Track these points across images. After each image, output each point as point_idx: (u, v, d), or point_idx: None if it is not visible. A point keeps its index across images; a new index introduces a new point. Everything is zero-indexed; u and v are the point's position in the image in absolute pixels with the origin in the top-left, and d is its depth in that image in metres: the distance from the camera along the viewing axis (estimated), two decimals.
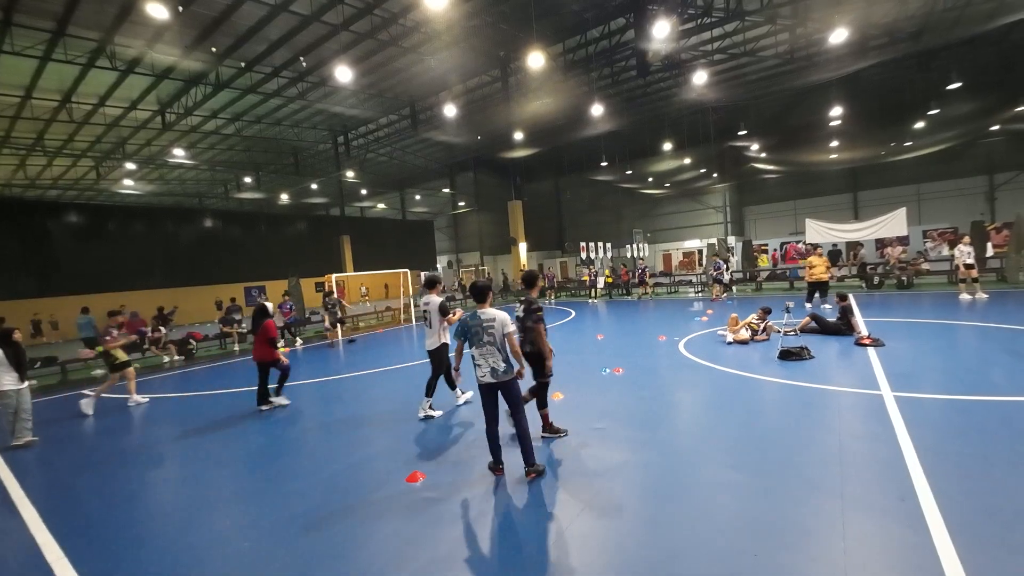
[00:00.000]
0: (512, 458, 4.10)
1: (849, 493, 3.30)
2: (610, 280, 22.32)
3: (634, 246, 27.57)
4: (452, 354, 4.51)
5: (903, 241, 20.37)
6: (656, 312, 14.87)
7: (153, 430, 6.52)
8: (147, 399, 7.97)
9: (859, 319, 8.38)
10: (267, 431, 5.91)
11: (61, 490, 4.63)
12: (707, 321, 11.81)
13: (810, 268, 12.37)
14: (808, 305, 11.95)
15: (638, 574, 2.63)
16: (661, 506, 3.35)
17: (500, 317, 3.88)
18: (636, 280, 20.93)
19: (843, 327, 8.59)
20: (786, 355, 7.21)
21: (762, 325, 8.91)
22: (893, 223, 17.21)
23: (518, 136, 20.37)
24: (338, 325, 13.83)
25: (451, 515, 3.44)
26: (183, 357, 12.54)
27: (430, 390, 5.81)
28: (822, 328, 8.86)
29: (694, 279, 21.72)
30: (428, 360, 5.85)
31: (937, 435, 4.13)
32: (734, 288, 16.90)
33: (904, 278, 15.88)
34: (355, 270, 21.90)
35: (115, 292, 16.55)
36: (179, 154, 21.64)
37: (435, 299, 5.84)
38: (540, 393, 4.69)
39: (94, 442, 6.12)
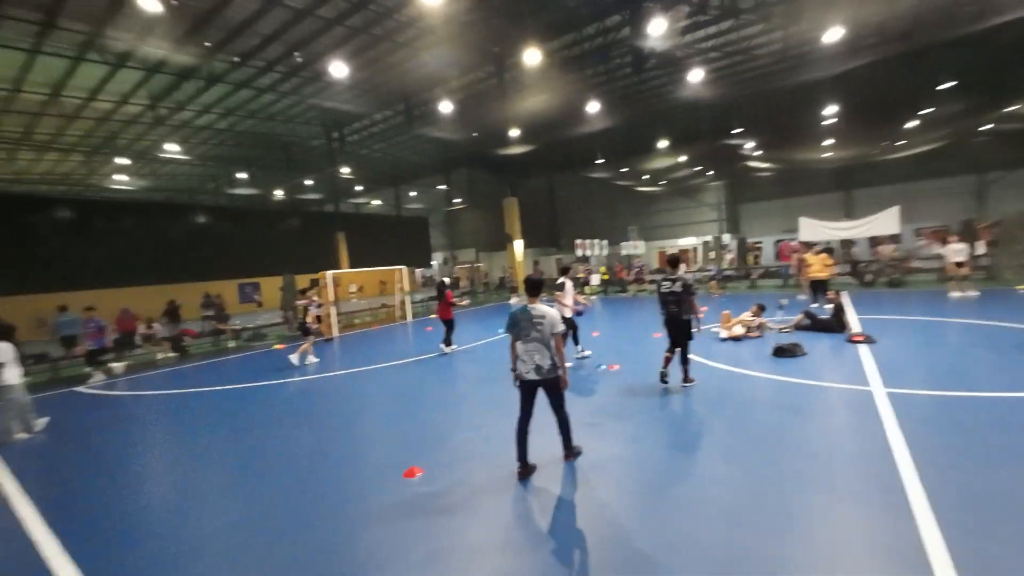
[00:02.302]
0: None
1: (839, 486, 3.36)
2: (606, 277, 22.41)
3: (630, 243, 27.62)
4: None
5: (895, 239, 20.57)
6: (651, 309, 14.95)
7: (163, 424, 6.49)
8: (314, 361, 9.80)
9: (851, 316, 8.47)
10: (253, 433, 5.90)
11: (58, 480, 4.62)
12: (701, 318, 11.87)
13: (806, 266, 12.42)
14: (814, 305, 11.11)
15: (630, 565, 2.67)
16: (652, 499, 3.39)
17: (551, 315, 3.79)
18: (632, 277, 21.10)
19: (836, 324, 8.69)
20: (780, 352, 7.28)
21: (756, 322, 9.00)
22: (886, 221, 17.36)
23: (513, 133, 20.34)
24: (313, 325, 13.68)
25: (448, 508, 3.47)
26: (177, 353, 12.47)
27: (576, 341, 8.22)
28: (815, 325, 8.95)
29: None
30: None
31: (926, 429, 4.21)
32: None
33: (896, 276, 16.06)
34: (351, 267, 21.81)
35: (103, 289, 16.36)
36: (171, 149, 21.40)
37: (569, 283, 8.03)
38: (684, 353, 5.97)
39: (92, 437, 6.09)
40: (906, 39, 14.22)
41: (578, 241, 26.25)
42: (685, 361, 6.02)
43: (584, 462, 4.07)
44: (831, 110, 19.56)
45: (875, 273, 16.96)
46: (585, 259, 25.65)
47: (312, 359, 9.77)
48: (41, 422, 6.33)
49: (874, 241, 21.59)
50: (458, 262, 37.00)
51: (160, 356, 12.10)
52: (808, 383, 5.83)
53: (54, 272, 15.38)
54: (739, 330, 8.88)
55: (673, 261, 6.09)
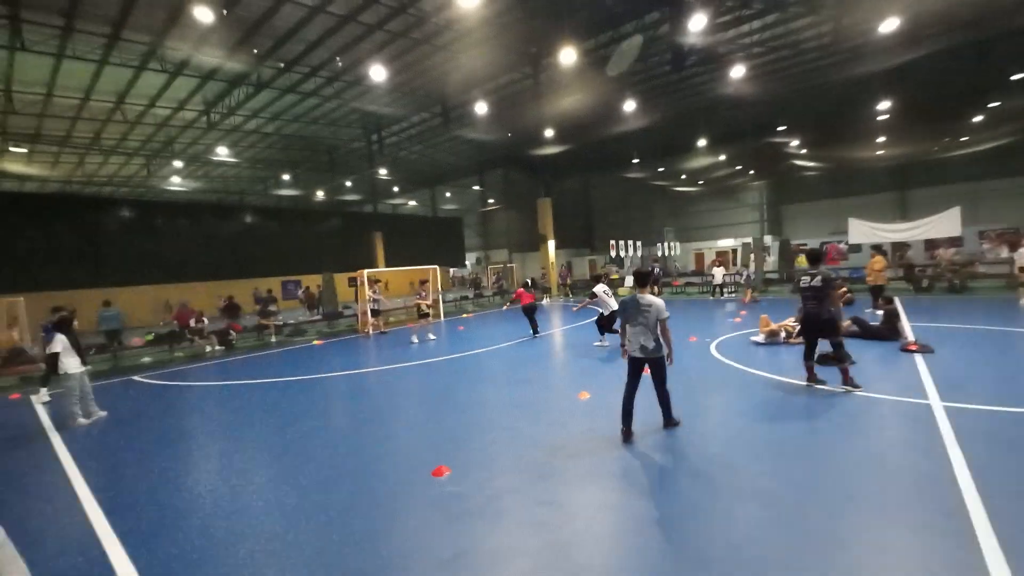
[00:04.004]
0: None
1: (891, 506, 3.14)
2: None
3: (665, 244, 27.04)
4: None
5: (956, 242, 19.18)
6: (687, 313, 14.53)
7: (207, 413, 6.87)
8: (432, 339, 11.80)
9: (905, 324, 7.95)
10: (301, 424, 6.12)
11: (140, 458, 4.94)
12: (740, 323, 11.46)
13: (874, 269, 11.45)
14: (875, 311, 10.04)
15: None
16: (685, 510, 3.28)
17: (657, 304, 4.41)
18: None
19: (887, 332, 8.17)
20: (824, 360, 6.90)
21: (798, 327, 8.59)
22: (945, 223, 16.23)
23: (548, 133, 20.26)
24: (372, 318, 14.24)
25: (474, 509, 3.48)
26: (223, 347, 13.11)
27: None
28: (864, 332, 8.45)
29: (727, 279, 20.93)
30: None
31: (991, 449, 3.87)
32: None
33: (956, 281, 14.95)
34: (386, 266, 22.34)
35: (160, 284, 17.44)
36: (222, 152, 22.59)
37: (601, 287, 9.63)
38: (838, 351, 5.57)
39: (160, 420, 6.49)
40: (974, 27, 13.21)
41: (612, 242, 25.87)
42: (841, 360, 5.57)
43: (614, 469, 3.99)
44: (886, 105, 18.44)
45: (932, 278, 15.85)
46: (619, 260, 25.25)
47: (431, 336, 12.08)
48: (100, 412, 6.71)
49: (931, 244, 20.22)
50: (491, 262, 37.18)
51: (208, 349, 12.76)
52: (857, 394, 5.50)
53: (118, 268, 16.58)
54: (776, 326, 8.55)
55: (814, 257, 5.84)
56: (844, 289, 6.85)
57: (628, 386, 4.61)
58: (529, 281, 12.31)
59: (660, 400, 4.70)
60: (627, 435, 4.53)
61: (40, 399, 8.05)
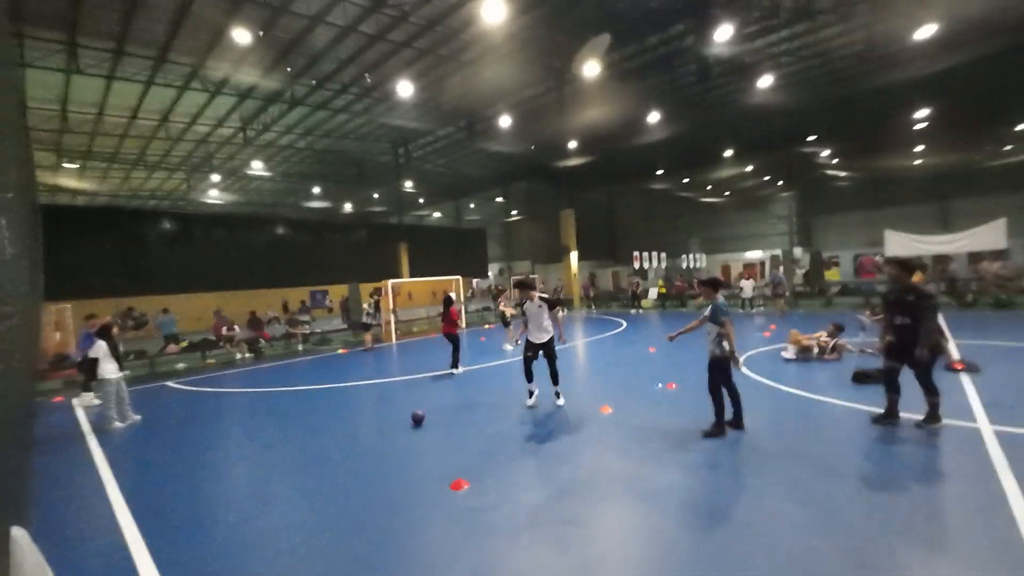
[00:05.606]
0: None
1: (937, 539, 2.96)
2: (664, 291, 21.63)
3: (690, 256, 26.57)
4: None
5: (1002, 255, 18.18)
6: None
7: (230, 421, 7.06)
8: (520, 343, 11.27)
9: (950, 341, 7.54)
10: (313, 436, 6.21)
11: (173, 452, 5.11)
12: (769, 337, 11.10)
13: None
14: None
15: None
16: (710, 535, 3.16)
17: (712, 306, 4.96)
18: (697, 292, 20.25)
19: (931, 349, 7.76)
20: (861, 377, 6.61)
21: (831, 343, 8.26)
22: (990, 235, 15.44)
23: (572, 145, 20.32)
24: (370, 331, 14.33)
25: (493, 525, 3.44)
26: (252, 355, 13.49)
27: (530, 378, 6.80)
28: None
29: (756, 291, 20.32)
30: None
31: None
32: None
33: (1003, 296, 14.14)
34: (411, 276, 22.67)
35: (199, 292, 18.14)
36: (257, 167, 23.52)
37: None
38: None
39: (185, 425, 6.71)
40: (1021, 30, 12.66)
41: (635, 254, 25.60)
42: (934, 392, 4.81)
43: (637, 489, 3.89)
44: (924, 113, 17.77)
45: (977, 292, 15.05)
46: (642, 272, 24.94)
47: (511, 346, 11.58)
48: (135, 416, 6.98)
49: (974, 257, 19.23)
50: (513, 273, 37.27)
51: (239, 356, 13.15)
52: (901, 415, 5.22)
53: (160, 277, 17.34)
54: (809, 342, 8.24)
55: (905, 266, 5.12)
56: None
57: (720, 383, 4.97)
58: (452, 296, 9.38)
59: (734, 400, 4.98)
60: (723, 430, 4.90)
61: (82, 403, 8.43)
